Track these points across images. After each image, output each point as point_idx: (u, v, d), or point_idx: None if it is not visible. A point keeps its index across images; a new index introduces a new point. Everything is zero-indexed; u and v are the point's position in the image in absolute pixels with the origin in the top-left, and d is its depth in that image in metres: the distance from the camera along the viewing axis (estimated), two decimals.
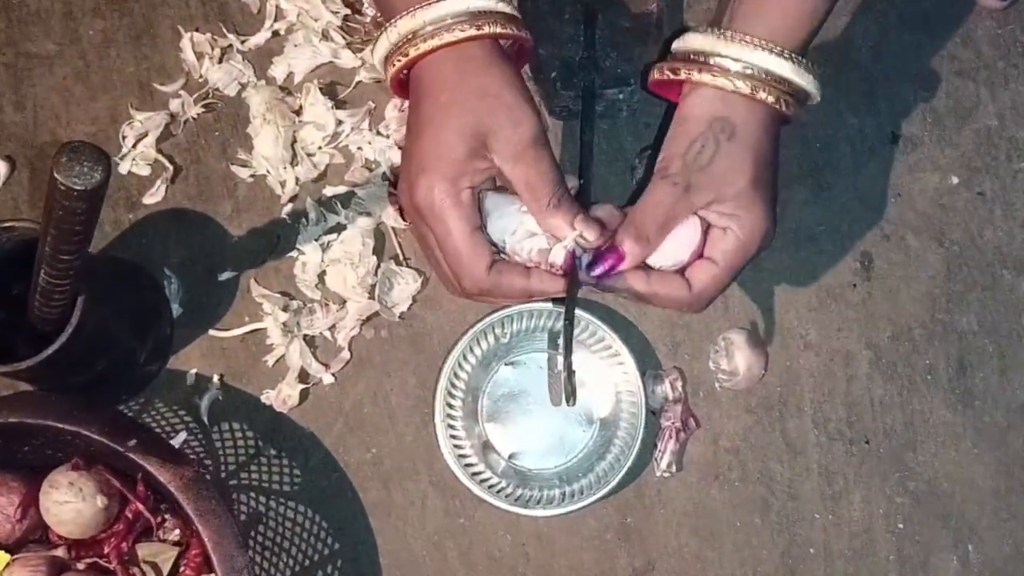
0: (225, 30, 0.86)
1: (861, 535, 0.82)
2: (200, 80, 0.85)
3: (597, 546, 0.82)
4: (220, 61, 0.86)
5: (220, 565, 0.69)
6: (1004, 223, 0.85)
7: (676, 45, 0.73)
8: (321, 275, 0.83)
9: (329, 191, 0.84)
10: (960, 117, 0.86)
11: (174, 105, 0.85)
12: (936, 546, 0.82)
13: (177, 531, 0.76)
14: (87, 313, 0.69)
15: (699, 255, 0.71)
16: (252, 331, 0.83)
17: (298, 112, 0.85)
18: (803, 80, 0.70)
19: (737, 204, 0.69)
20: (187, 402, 0.82)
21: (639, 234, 0.69)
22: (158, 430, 0.81)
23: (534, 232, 0.69)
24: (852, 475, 0.82)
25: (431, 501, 0.82)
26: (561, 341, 0.72)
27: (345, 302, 0.83)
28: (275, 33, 0.86)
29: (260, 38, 0.86)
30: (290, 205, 0.84)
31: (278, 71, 0.85)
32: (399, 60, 0.69)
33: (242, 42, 0.86)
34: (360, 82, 0.86)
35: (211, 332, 0.83)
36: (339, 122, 0.84)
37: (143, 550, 0.75)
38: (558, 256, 0.69)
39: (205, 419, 0.82)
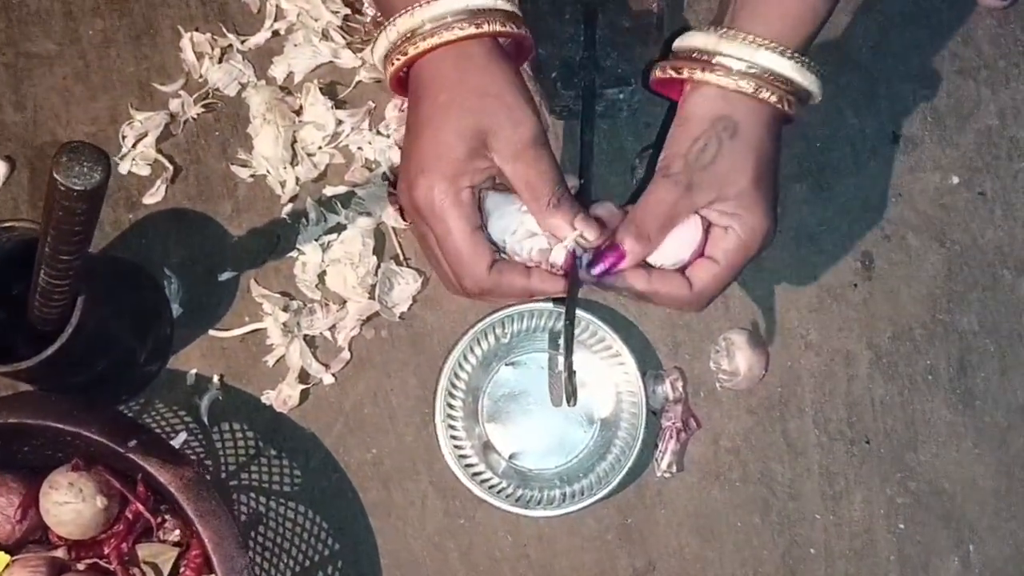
0: (225, 30, 0.86)
1: (862, 535, 0.82)
2: (200, 80, 0.85)
3: (598, 546, 0.82)
4: (220, 61, 0.85)
5: (220, 566, 0.69)
6: (1005, 223, 0.85)
7: (678, 44, 0.73)
8: (321, 275, 0.83)
9: (329, 191, 0.84)
10: (961, 117, 0.86)
11: (174, 105, 0.85)
12: (937, 546, 0.82)
13: (177, 532, 0.76)
14: (87, 313, 0.69)
15: (700, 254, 0.71)
16: (252, 331, 0.83)
17: (298, 112, 0.85)
18: (805, 80, 0.70)
19: (739, 203, 0.69)
20: (187, 402, 0.82)
21: (640, 232, 0.69)
22: (158, 430, 0.80)
23: (534, 232, 0.69)
24: (853, 475, 0.82)
25: (431, 501, 0.82)
26: (562, 341, 0.72)
27: (345, 302, 0.83)
28: (275, 33, 0.86)
29: (260, 38, 0.86)
30: (290, 205, 0.84)
31: (278, 71, 0.85)
32: (398, 59, 0.69)
33: (242, 42, 0.86)
34: (360, 82, 0.85)
35: (211, 332, 0.83)
36: (339, 122, 0.84)
37: (143, 551, 0.75)
38: (558, 256, 0.69)
39: (205, 419, 0.82)
